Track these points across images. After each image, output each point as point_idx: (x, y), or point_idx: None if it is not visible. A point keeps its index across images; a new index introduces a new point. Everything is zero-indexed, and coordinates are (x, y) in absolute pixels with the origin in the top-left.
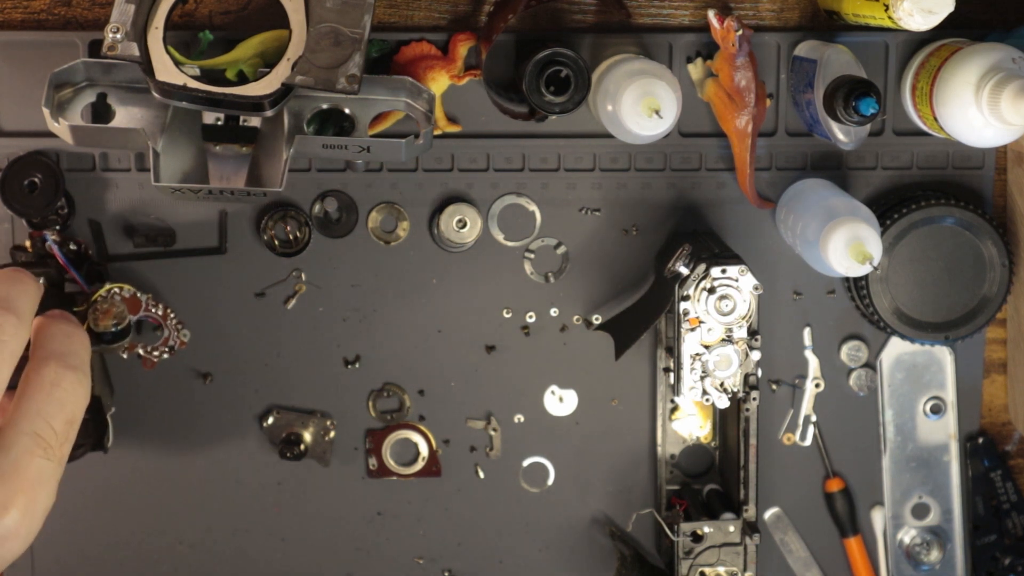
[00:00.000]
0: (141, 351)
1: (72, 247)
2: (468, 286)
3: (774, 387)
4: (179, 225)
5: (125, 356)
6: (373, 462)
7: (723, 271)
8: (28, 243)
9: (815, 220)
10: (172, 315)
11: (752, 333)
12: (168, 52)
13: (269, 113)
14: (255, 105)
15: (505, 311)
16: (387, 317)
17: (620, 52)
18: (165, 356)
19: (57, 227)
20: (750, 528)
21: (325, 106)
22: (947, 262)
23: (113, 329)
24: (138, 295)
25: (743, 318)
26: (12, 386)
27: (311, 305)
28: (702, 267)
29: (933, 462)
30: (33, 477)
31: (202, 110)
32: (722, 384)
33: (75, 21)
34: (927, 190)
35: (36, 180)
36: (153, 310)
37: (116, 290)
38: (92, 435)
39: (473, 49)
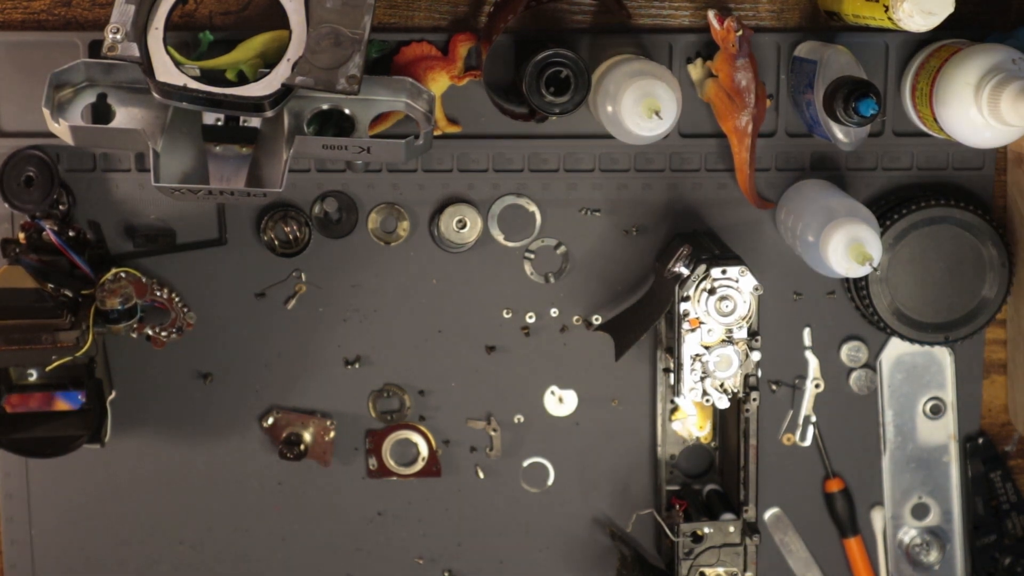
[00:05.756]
0: (150, 331)
1: (71, 234)
2: (468, 286)
3: (774, 388)
4: (179, 220)
5: (135, 336)
6: (373, 462)
7: (723, 272)
8: (22, 235)
9: (815, 221)
10: (177, 298)
11: (752, 334)
12: (168, 52)
13: (269, 114)
14: (255, 106)
15: (505, 311)
16: (387, 317)
17: (620, 53)
18: (174, 336)
19: (59, 221)
20: (750, 528)
21: (325, 107)
22: (947, 263)
23: (119, 307)
24: (143, 280)
25: (743, 319)
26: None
27: (311, 305)
28: (702, 268)
29: (933, 462)
30: None
31: (202, 111)
32: (722, 385)
33: (75, 21)
34: (927, 191)
35: (32, 174)
36: (159, 294)
37: (123, 274)
38: (90, 425)
39: (473, 50)
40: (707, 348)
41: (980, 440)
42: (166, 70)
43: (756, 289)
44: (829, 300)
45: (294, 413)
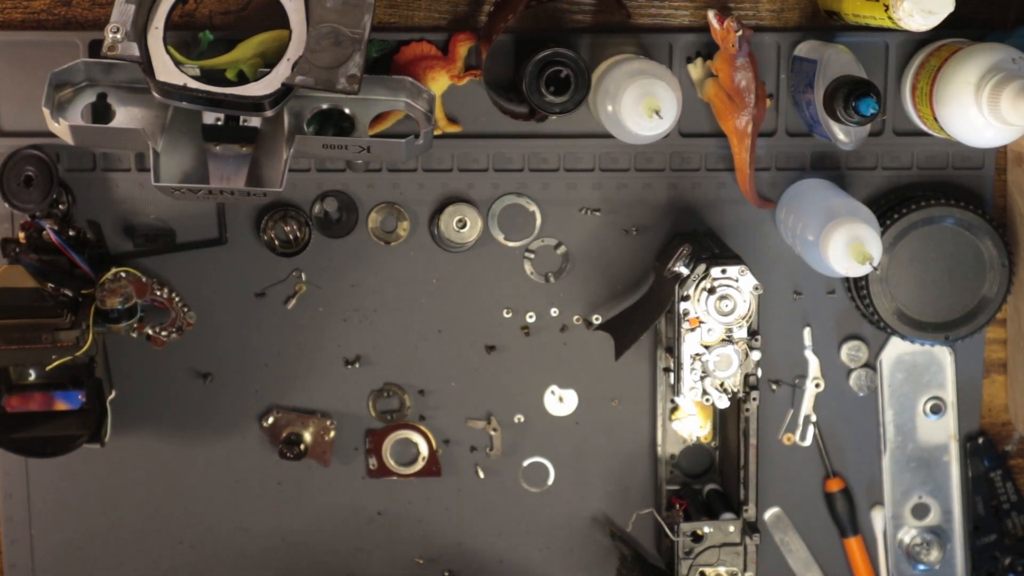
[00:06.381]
0: (150, 331)
1: (71, 233)
2: (468, 286)
3: (774, 387)
4: (179, 220)
5: (135, 335)
6: (373, 462)
7: (723, 271)
8: (22, 235)
9: (815, 220)
10: (177, 297)
11: (752, 333)
12: (168, 52)
13: (269, 113)
14: (255, 105)
15: (505, 311)
16: (387, 317)
17: (620, 52)
18: (174, 336)
19: (59, 221)
20: (750, 528)
21: (325, 106)
22: (947, 262)
23: (119, 307)
24: (143, 279)
25: (743, 318)
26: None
27: (311, 305)
28: (702, 267)
29: (933, 462)
30: None
31: (202, 110)
32: (722, 384)
33: (75, 21)
34: (927, 190)
35: (31, 174)
36: (159, 293)
37: (123, 273)
38: (90, 425)
39: (473, 49)
40: (707, 347)
41: (980, 440)
42: (166, 69)
43: (756, 288)
44: (829, 299)
45: (294, 413)
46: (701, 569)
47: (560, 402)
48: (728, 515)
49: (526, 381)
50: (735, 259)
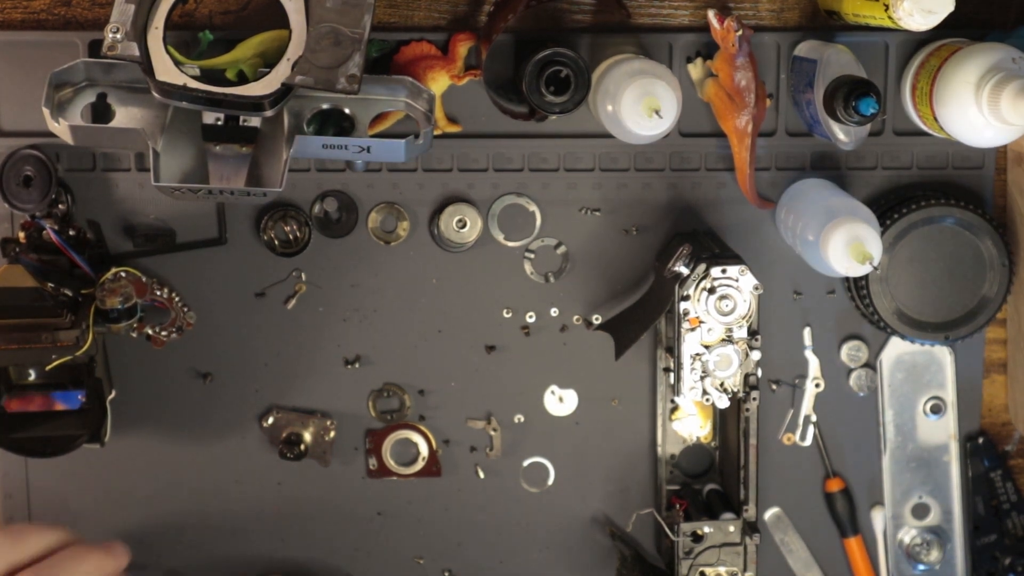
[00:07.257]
0: (150, 331)
1: (71, 233)
2: (468, 286)
3: (774, 387)
4: (179, 220)
5: (135, 335)
6: (373, 462)
7: (723, 271)
8: (22, 234)
9: (815, 220)
10: (177, 297)
11: (752, 333)
12: (168, 52)
13: (269, 113)
14: (255, 105)
15: (505, 311)
16: (387, 317)
17: (620, 52)
18: (174, 336)
19: (59, 220)
20: (750, 528)
21: (325, 106)
22: (947, 262)
23: (119, 306)
24: (143, 279)
25: (743, 318)
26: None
27: (311, 305)
28: (702, 267)
29: (933, 462)
30: None
31: (202, 110)
32: (722, 384)
33: (75, 21)
34: (927, 190)
35: (30, 174)
36: (159, 293)
37: (123, 273)
38: (90, 425)
39: (473, 49)
40: (707, 347)
41: (980, 440)
42: (166, 69)
43: (756, 288)
44: (829, 299)
45: (294, 413)
46: (701, 569)
47: (560, 402)
48: (728, 515)
49: (526, 381)
50: (735, 259)
